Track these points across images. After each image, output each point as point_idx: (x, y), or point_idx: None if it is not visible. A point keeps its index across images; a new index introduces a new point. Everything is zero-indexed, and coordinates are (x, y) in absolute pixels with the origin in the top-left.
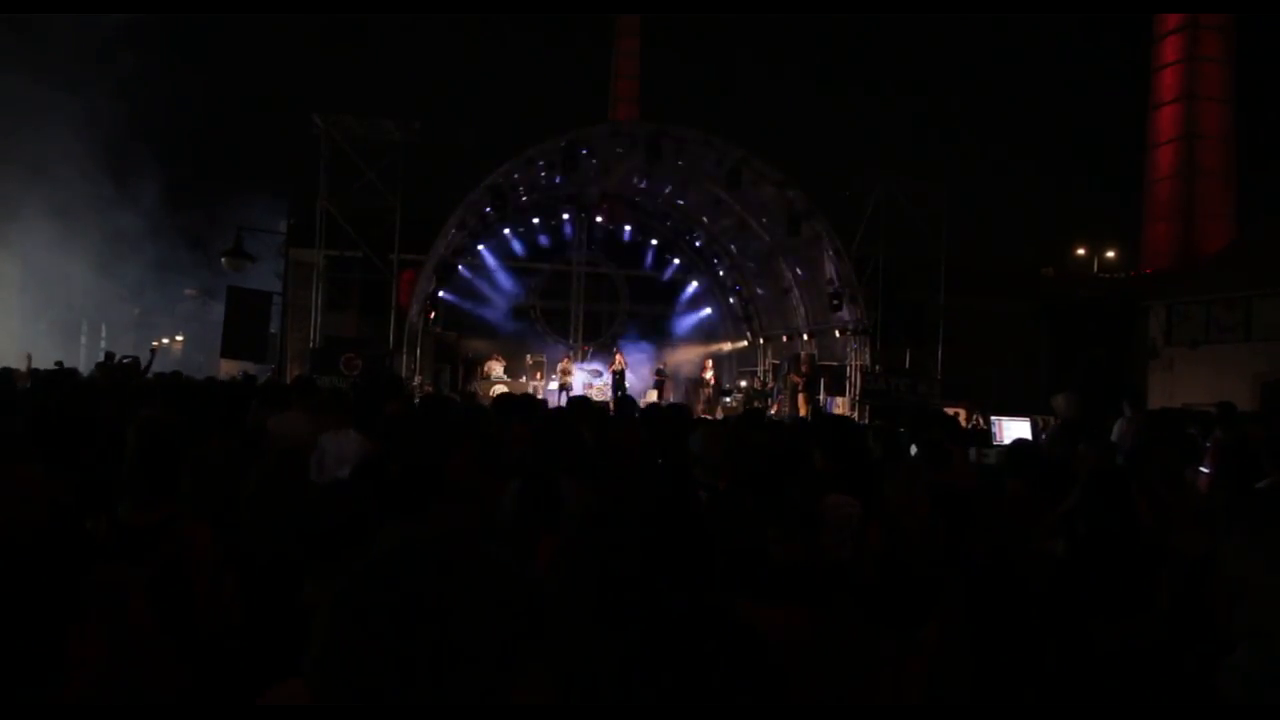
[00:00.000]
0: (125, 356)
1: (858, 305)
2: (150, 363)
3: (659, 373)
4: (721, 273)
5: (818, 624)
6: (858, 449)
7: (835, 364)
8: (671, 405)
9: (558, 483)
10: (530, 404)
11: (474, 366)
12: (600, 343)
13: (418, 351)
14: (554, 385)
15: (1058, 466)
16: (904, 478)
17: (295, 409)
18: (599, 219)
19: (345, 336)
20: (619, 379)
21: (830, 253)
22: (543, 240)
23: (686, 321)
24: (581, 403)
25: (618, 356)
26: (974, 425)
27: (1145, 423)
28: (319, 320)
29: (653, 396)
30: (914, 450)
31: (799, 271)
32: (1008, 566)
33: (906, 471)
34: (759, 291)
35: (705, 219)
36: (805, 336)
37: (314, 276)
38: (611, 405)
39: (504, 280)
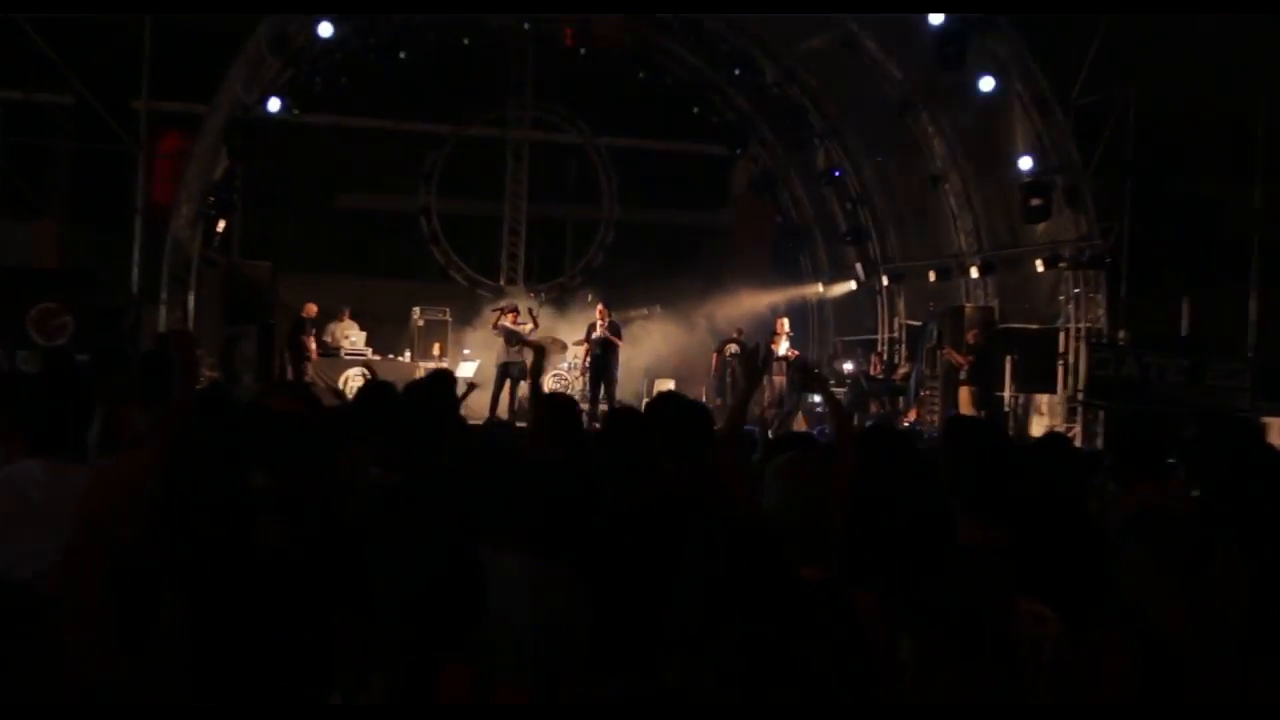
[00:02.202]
0: None
1: (1081, 209)
2: None
3: (736, 343)
4: (807, 147)
5: None
6: (1040, 502)
7: (1035, 328)
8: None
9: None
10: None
11: (306, 330)
12: (558, 283)
13: (191, 298)
14: (469, 367)
15: None
16: (1170, 568)
17: None
18: (559, 39)
19: (39, 269)
20: (604, 356)
21: (1024, 104)
22: (444, 77)
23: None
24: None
25: (599, 313)
26: None
27: None
28: None
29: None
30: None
31: (960, 145)
32: None
33: (1172, 553)
34: (880, 184)
35: (773, 41)
36: (974, 273)
37: None
38: (586, 403)
39: (366, 156)
